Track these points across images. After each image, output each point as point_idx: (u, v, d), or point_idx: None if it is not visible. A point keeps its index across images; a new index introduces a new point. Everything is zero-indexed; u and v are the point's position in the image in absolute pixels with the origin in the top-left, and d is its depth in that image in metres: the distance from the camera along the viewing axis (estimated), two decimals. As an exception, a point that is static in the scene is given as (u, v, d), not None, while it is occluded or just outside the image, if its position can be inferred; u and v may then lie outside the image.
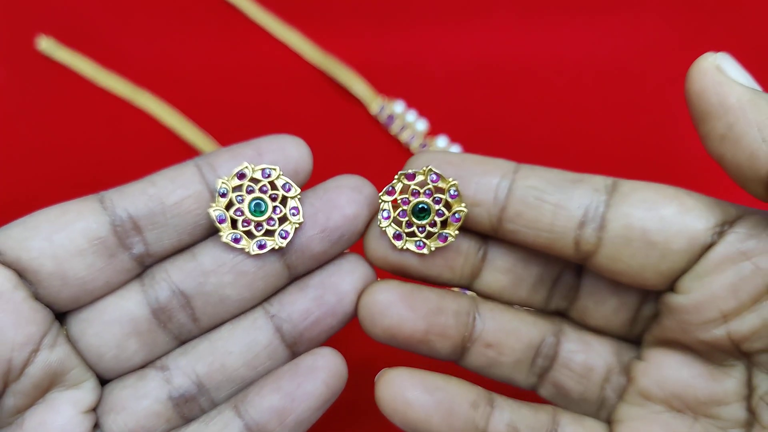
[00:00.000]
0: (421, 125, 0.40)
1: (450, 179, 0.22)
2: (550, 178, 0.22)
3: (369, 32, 0.44)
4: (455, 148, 0.39)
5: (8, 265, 0.21)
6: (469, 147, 0.39)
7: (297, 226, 0.22)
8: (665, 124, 0.40)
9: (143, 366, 0.23)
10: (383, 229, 0.22)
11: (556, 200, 0.22)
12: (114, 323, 0.22)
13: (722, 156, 0.21)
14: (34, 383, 0.21)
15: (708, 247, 0.21)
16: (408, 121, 0.41)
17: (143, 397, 0.22)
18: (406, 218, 0.22)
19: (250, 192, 0.22)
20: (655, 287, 0.22)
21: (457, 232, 0.22)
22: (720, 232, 0.21)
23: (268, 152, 0.22)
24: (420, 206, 0.22)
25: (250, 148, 0.22)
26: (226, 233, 0.22)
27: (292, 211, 0.22)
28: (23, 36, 0.44)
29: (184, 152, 0.40)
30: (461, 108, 0.41)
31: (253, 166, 0.22)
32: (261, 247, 0.22)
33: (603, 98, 0.41)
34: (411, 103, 0.41)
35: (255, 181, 0.22)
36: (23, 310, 0.21)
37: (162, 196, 0.22)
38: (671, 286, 0.21)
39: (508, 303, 0.24)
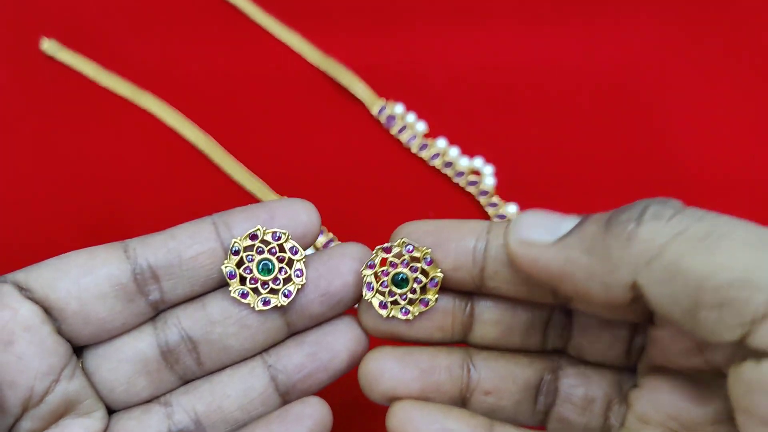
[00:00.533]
0: (421, 126, 0.41)
1: (423, 248, 0.24)
2: None
3: (369, 35, 0.44)
4: (454, 150, 0.40)
5: (37, 302, 0.23)
6: (468, 149, 0.40)
7: (300, 287, 0.24)
8: (663, 129, 0.40)
9: (149, 401, 0.25)
10: (368, 300, 0.24)
11: None
12: (127, 361, 0.24)
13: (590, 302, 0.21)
14: (51, 410, 0.23)
15: None
16: (408, 122, 0.41)
17: (146, 429, 0.24)
18: (388, 288, 0.24)
19: (260, 252, 0.24)
20: (635, 321, 0.23)
21: (437, 295, 0.24)
22: None
23: (280, 216, 0.24)
24: (399, 276, 0.24)
25: (264, 210, 0.24)
26: (235, 288, 0.24)
27: (297, 272, 0.24)
28: (27, 38, 0.44)
29: (185, 153, 0.40)
30: (460, 110, 0.42)
31: (264, 228, 0.24)
32: (265, 303, 0.24)
33: (601, 102, 0.41)
34: (410, 106, 0.41)
35: (265, 242, 0.24)
36: (48, 343, 0.23)
37: (180, 250, 0.24)
38: (650, 319, 0.22)
39: (505, 350, 0.25)
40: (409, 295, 0.24)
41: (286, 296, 0.24)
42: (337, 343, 0.25)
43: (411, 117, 0.41)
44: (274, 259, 0.24)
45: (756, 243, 0.18)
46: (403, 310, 0.24)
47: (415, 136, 0.40)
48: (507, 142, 0.40)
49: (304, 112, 0.42)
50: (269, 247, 0.24)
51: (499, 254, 0.23)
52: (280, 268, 0.24)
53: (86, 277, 0.23)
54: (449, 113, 0.41)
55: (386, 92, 0.42)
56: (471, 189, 0.38)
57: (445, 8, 0.45)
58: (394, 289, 0.24)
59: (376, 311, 0.24)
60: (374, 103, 0.41)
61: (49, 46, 0.44)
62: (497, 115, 0.41)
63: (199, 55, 0.44)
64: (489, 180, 0.38)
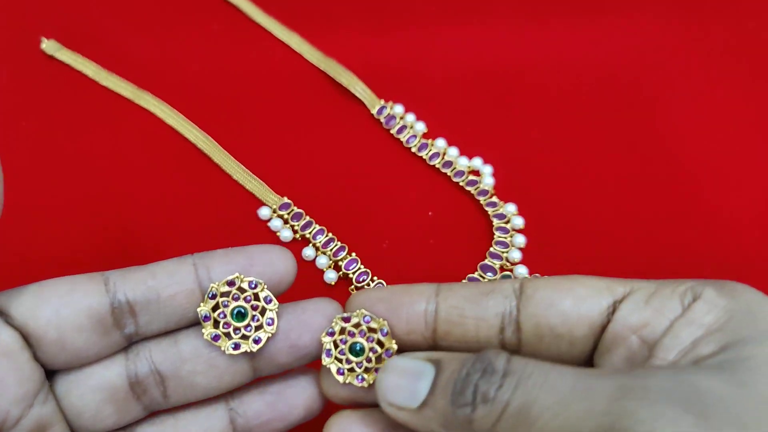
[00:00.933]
0: (420, 126, 0.41)
1: (381, 319, 0.25)
2: (467, 295, 0.25)
3: (367, 36, 0.44)
4: (453, 150, 0.40)
5: (16, 328, 0.24)
6: (467, 150, 0.40)
7: (270, 335, 0.25)
8: (664, 127, 0.41)
9: (114, 429, 0.26)
10: (327, 366, 0.25)
11: (475, 314, 0.25)
12: (96, 389, 0.25)
13: None
14: None
15: (605, 327, 0.23)
16: (407, 122, 0.41)
17: None
18: (345, 356, 0.26)
19: (235, 299, 0.25)
20: (578, 364, 0.24)
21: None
22: (612, 311, 0.23)
23: (258, 262, 0.25)
24: (356, 346, 0.25)
25: (243, 255, 0.26)
26: (208, 331, 0.25)
27: (268, 321, 0.25)
28: (27, 38, 0.45)
29: (185, 153, 0.41)
30: (459, 110, 0.42)
31: (242, 276, 0.25)
32: (236, 348, 0.25)
33: (600, 101, 0.42)
34: (409, 106, 0.42)
35: (241, 290, 0.25)
36: (25, 369, 0.24)
37: (159, 288, 0.25)
38: (590, 362, 0.24)
39: None
40: (365, 364, 0.25)
41: (256, 342, 0.25)
42: (296, 396, 0.26)
43: (410, 117, 0.41)
44: (248, 306, 0.25)
45: (563, 409, 0.20)
46: (359, 377, 0.25)
47: (414, 136, 0.40)
48: (505, 142, 0.40)
49: (304, 112, 0.42)
50: (245, 294, 0.25)
51: (449, 315, 0.25)
52: (253, 316, 0.25)
53: (66, 309, 0.24)
54: (448, 113, 0.42)
55: (385, 92, 0.42)
56: (470, 189, 0.38)
57: (443, 8, 0.45)
58: (351, 357, 0.25)
59: (334, 377, 0.25)
60: (374, 104, 0.41)
61: (48, 45, 0.44)
62: (496, 115, 0.41)
63: (199, 55, 0.44)
64: (488, 180, 0.39)
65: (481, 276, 0.36)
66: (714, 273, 0.36)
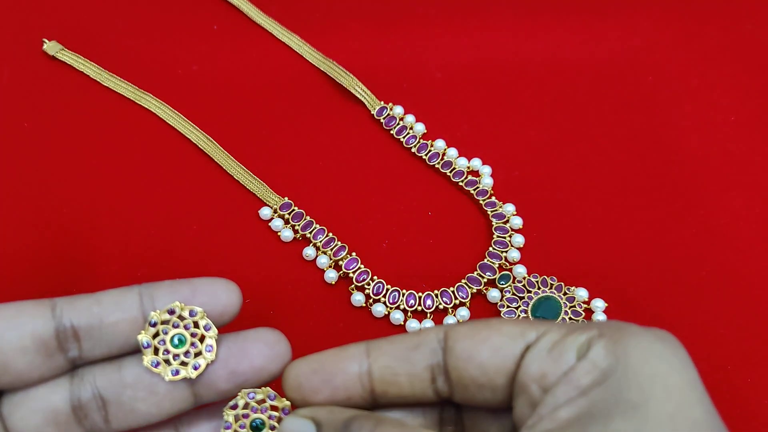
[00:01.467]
0: (420, 127, 0.41)
1: (284, 400, 0.26)
2: (395, 353, 0.25)
3: (366, 38, 0.44)
4: (453, 151, 0.40)
5: None
6: (466, 151, 0.40)
7: (209, 362, 0.26)
8: (663, 127, 0.41)
9: None
10: None
11: (406, 371, 0.25)
12: (38, 411, 0.25)
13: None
14: None
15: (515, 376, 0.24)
16: (407, 123, 0.41)
17: None
18: (245, 430, 0.26)
19: (175, 327, 0.26)
20: (505, 409, 0.24)
21: None
22: (521, 359, 0.23)
23: (201, 294, 0.26)
24: (255, 422, 0.26)
25: (187, 287, 0.26)
26: (148, 358, 0.26)
27: (207, 348, 0.26)
28: (28, 39, 0.45)
29: (187, 154, 0.41)
30: (458, 111, 0.42)
31: (182, 305, 0.26)
32: (175, 373, 0.26)
33: (600, 100, 0.42)
34: (408, 107, 0.42)
35: (182, 318, 0.26)
36: None
37: (103, 315, 0.25)
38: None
39: None
40: None
41: (195, 369, 0.26)
42: None
43: (410, 118, 0.41)
44: (187, 333, 0.26)
45: None
46: None
47: (414, 137, 0.41)
48: (504, 143, 0.41)
49: (305, 113, 0.42)
50: (185, 322, 0.26)
51: (382, 375, 0.25)
52: (192, 343, 0.26)
53: (11, 332, 0.24)
54: (447, 114, 0.42)
55: (385, 93, 0.42)
56: (470, 189, 0.39)
57: (443, 9, 0.45)
58: None
59: None
60: (374, 104, 0.42)
61: (50, 46, 0.44)
62: (495, 116, 0.42)
63: (200, 56, 0.44)
64: (487, 180, 0.39)
65: (480, 276, 0.36)
66: (712, 272, 0.36)
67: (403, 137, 0.41)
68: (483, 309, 0.36)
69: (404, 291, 0.36)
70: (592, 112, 0.41)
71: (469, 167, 0.39)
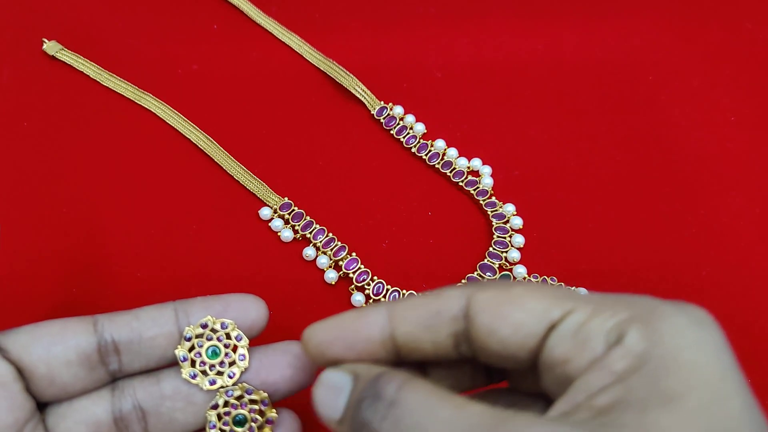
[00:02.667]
0: (420, 127, 0.41)
1: (261, 392, 0.28)
2: (418, 320, 0.24)
3: (367, 36, 0.44)
4: (453, 151, 0.40)
5: (11, 362, 0.26)
6: (466, 151, 0.40)
7: (243, 370, 0.28)
8: (663, 126, 0.41)
9: None
10: None
11: (429, 338, 0.24)
12: (83, 422, 0.27)
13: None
14: None
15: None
16: (407, 123, 0.41)
17: None
18: (229, 427, 0.28)
19: (209, 339, 0.28)
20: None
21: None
22: (545, 338, 0.22)
23: (233, 309, 0.28)
24: (238, 417, 0.28)
25: (219, 303, 0.28)
26: (186, 370, 0.28)
27: (240, 357, 0.28)
28: (28, 39, 0.45)
29: (187, 154, 0.41)
30: (458, 111, 0.42)
31: (214, 319, 0.28)
32: (212, 383, 0.28)
33: (600, 100, 0.42)
34: (408, 107, 0.42)
35: (214, 330, 0.28)
36: (17, 399, 0.26)
37: (142, 330, 0.27)
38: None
39: None
40: None
41: (230, 377, 0.28)
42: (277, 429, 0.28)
43: (410, 118, 0.41)
44: (221, 345, 0.28)
45: None
46: None
47: (414, 137, 0.41)
48: (504, 143, 0.41)
49: (305, 113, 0.42)
50: (217, 334, 0.28)
51: (405, 342, 0.24)
52: (226, 353, 0.28)
53: (57, 346, 0.26)
54: (447, 114, 0.42)
55: (384, 93, 0.42)
56: (470, 189, 0.39)
57: (443, 9, 0.45)
58: (234, 428, 0.28)
59: None
60: (374, 104, 0.42)
61: (50, 46, 0.44)
62: (495, 115, 0.42)
63: (200, 56, 0.44)
64: (487, 180, 0.39)
65: (480, 276, 0.36)
66: (712, 272, 0.36)
67: (403, 137, 0.41)
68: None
69: (404, 291, 0.36)
70: (592, 111, 0.41)
71: (469, 167, 0.39)
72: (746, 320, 0.35)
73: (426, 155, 0.40)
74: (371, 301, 0.36)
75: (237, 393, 0.28)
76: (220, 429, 0.28)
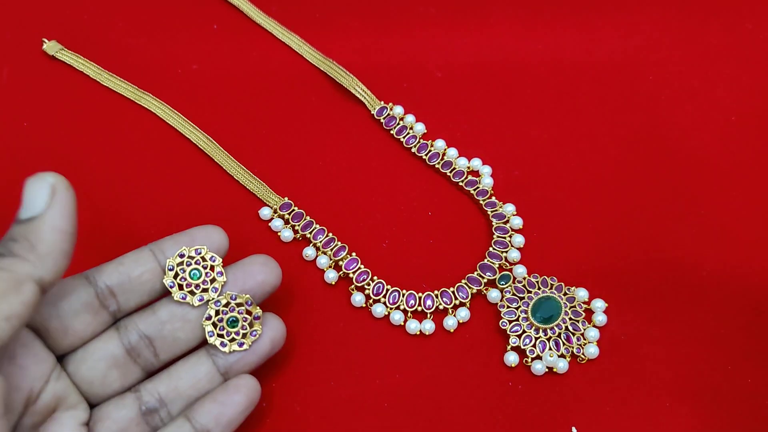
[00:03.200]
0: (420, 127, 0.41)
1: (244, 295, 0.32)
2: None
3: (367, 36, 0.44)
4: (453, 151, 0.40)
5: (27, 324, 0.29)
6: (466, 150, 0.40)
7: (223, 283, 0.32)
8: (663, 127, 0.41)
9: (122, 392, 0.32)
10: (212, 342, 0.32)
11: None
12: (101, 360, 0.31)
13: None
14: (45, 405, 0.29)
15: None
16: (408, 123, 0.41)
17: (122, 408, 0.31)
18: (225, 330, 0.32)
19: (188, 265, 0.32)
20: None
21: (260, 327, 0.32)
22: None
23: (199, 239, 0.32)
24: (230, 319, 0.32)
25: (186, 236, 0.33)
26: (177, 294, 0.32)
27: (218, 273, 0.32)
28: (28, 38, 0.45)
29: (186, 154, 0.41)
30: (458, 111, 0.42)
31: (188, 248, 0.32)
32: (200, 300, 0.32)
33: (600, 100, 0.42)
34: (409, 107, 0.42)
35: (191, 257, 0.32)
36: (40, 354, 0.29)
37: (129, 271, 0.31)
38: None
39: None
40: (241, 331, 0.32)
41: (215, 291, 0.32)
42: (262, 334, 0.32)
43: (410, 118, 0.41)
44: (200, 267, 0.32)
45: None
46: (239, 343, 0.32)
47: (414, 137, 0.41)
48: (504, 143, 0.41)
49: (304, 113, 0.42)
50: (194, 259, 0.32)
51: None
52: (206, 273, 0.32)
53: (63, 300, 0.30)
54: (447, 114, 0.42)
55: (385, 93, 0.42)
56: (470, 189, 0.39)
57: (443, 9, 0.45)
58: (230, 329, 0.32)
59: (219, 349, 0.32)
60: (374, 104, 0.42)
61: (50, 46, 0.44)
62: (494, 115, 0.42)
63: (200, 56, 0.44)
64: (487, 180, 0.39)
65: (480, 276, 0.36)
66: (712, 273, 0.36)
67: (403, 137, 0.41)
68: (483, 309, 0.36)
69: (404, 291, 0.36)
70: (592, 111, 0.41)
71: (469, 167, 0.39)
72: (747, 320, 0.34)
73: (426, 155, 0.40)
74: (371, 301, 0.36)
75: (224, 301, 0.32)
76: (218, 334, 0.32)
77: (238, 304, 0.32)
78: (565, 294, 0.35)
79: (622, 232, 0.37)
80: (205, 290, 0.32)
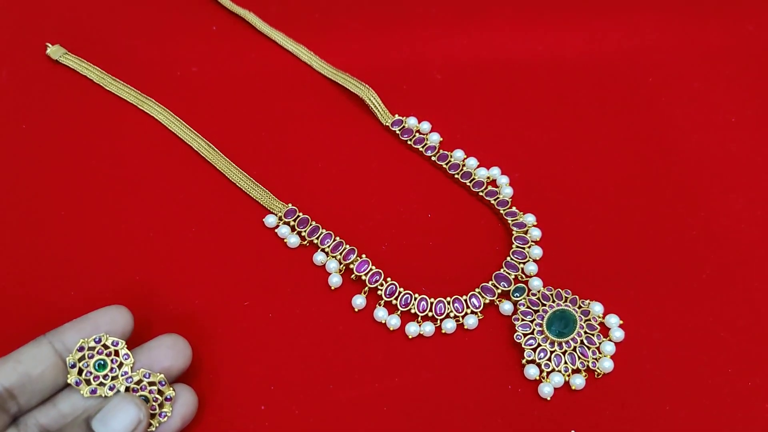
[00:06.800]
0: (435, 137, 0.40)
1: (157, 374, 0.30)
2: None
3: (366, 37, 0.45)
4: (472, 160, 0.39)
5: None
6: (484, 159, 0.40)
7: (131, 365, 0.30)
8: (663, 127, 0.40)
9: None
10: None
11: None
12: None
13: None
14: None
15: None
16: (423, 134, 0.40)
17: None
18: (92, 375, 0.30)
19: (91, 357, 0.30)
20: None
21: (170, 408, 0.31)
22: None
23: (102, 324, 0.31)
24: (140, 398, 0.30)
25: (88, 323, 0.31)
26: (86, 390, 0.30)
27: (125, 356, 0.30)
28: (32, 42, 0.44)
29: (189, 162, 0.40)
30: (474, 121, 0.41)
31: (86, 339, 0.30)
32: (111, 389, 0.30)
33: (602, 99, 0.41)
34: (423, 117, 0.41)
35: (91, 349, 0.30)
36: None
37: (28, 370, 0.29)
38: None
39: None
40: (150, 412, 0.30)
41: (125, 375, 0.30)
42: (172, 415, 0.31)
43: (426, 126, 0.41)
44: (104, 356, 0.30)
45: None
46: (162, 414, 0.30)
47: (432, 147, 0.40)
48: (504, 144, 0.40)
49: (307, 119, 0.42)
50: (96, 349, 0.30)
51: None
52: (112, 359, 0.30)
53: None
54: (446, 113, 0.41)
55: (398, 101, 0.42)
56: (490, 199, 0.38)
57: (459, 16, 0.45)
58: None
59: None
60: (387, 117, 0.41)
61: (53, 50, 0.44)
62: (494, 116, 0.41)
63: (204, 63, 0.44)
64: (506, 190, 0.38)
65: (494, 286, 0.35)
66: (713, 275, 0.35)
67: (421, 147, 0.40)
68: (495, 321, 0.34)
69: (416, 295, 0.34)
70: (609, 118, 0.41)
71: (488, 177, 0.39)
72: (748, 322, 0.34)
73: (445, 165, 0.39)
74: (382, 302, 0.34)
75: (136, 378, 0.30)
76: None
77: (151, 383, 0.30)
78: (579, 307, 0.34)
79: (623, 233, 0.37)
80: (114, 378, 0.30)
